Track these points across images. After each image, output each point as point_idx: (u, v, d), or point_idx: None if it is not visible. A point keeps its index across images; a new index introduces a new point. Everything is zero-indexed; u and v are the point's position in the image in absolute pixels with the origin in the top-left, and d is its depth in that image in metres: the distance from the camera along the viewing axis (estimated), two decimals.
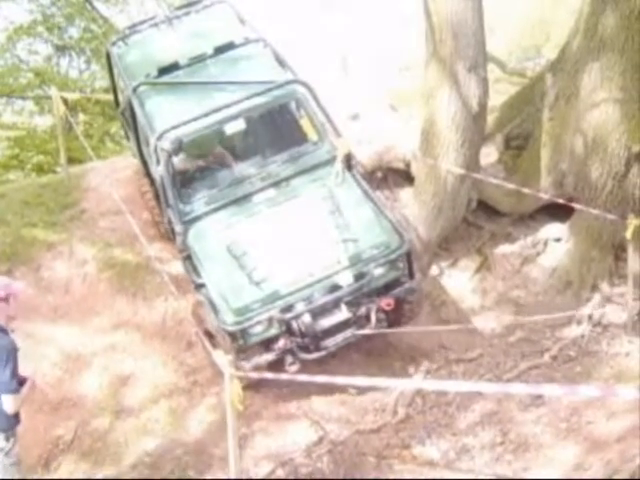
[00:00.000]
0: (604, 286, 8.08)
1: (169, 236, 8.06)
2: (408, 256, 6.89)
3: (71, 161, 11.71)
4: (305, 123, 7.83)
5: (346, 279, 6.68)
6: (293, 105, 7.94)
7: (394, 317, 7.10)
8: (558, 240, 8.56)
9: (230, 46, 8.00)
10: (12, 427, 5.08)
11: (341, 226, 6.89)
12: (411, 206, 8.57)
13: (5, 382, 4.92)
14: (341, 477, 6.25)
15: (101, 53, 17.16)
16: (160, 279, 7.91)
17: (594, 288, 8.10)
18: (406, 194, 9.03)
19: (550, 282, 8.30)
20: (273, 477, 6.38)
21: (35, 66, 17.76)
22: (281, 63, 7.82)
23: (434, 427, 6.63)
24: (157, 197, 7.98)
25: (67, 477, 6.51)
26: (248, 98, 7.25)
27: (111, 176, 9.74)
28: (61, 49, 18.12)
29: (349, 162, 7.42)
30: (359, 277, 6.72)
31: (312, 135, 7.68)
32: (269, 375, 6.18)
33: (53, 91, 10.27)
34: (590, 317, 7.72)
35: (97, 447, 6.79)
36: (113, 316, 7.94)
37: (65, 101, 10.51)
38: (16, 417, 5.09)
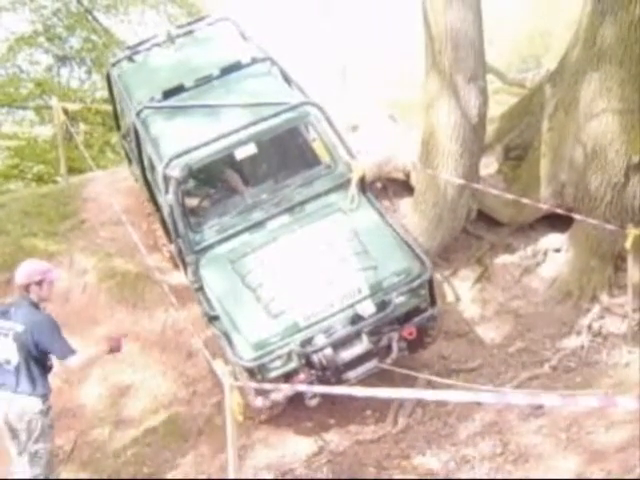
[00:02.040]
0: (604, 296, 8.07)
1: (176, 262, 7.85)
2: (430, 282, 6.68)
3: (71, 171, 11.75)
4: (317, 145, 7.65)
5: (368, 309, 6.44)
6: (305, 127, 7.74)
7: (414, 344, 6.86)
8: (558, 250, 8.57)
9: (237, 66, 7.77)
10: (47, 394, 5.70)
11: (360, 253, 6.67)
12: (411, 216, 8.58)
13: (60, 347, 5.60)
14: None
15: (102, 63, 17.25)
16: (160, 289, 7.90)
17: (594, 298, 8.09)
18: (406, 204, 9.04)
19: (550, 292, 8.30)
20: None
21: (36, 76, 17.78)
22: (290, 83, 7.65)
23: (434, 437, 6.62)
24: (163, 223, 7.76)
25: None
26: (259, 121, 7.00)
27: (111, 186, 9.76)
28: (62, 59, 18.15)
29: (363, 185, 7.26)
30: (381, 306, 6.46)
31: (325, 158, 7.50)
32: (268, 386, 6.18)
33: (54, 101, 10.31)
34: (590, 327, 7.73)
35: (96, 457, 6.80)
36: (113, 326, 7.92)
37: (65, 111, 10.56)
38: (48, 383, 5.74)
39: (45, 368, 5.72)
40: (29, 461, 5.70)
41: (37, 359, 5.62)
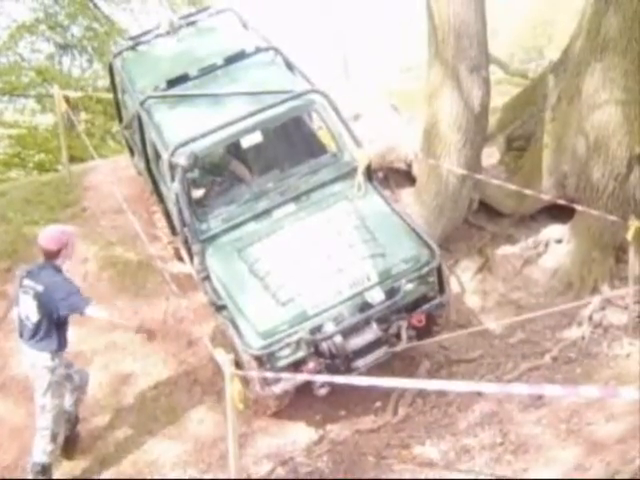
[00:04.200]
0: (605, 288, 8.08)
1: (180, 256, 7.85)
2: (438, 270, 6.67)
3: (72, 159, 11.71)
4: (323, 134, 7.63)
5: (377, 296, 6.43)
6: (310, 116, 7.71)
7: (423, 331, 6.84)
8: (559, 241, 8.57)
9: (241, 55, 7.74)
10: (56, 350, 6.05)
11: (368, 241, 6.64)
12: (412, 206, 8.57)
13: (74, 301, 5.92)
14: (341, 476, 6.24)
15: (103, 52, 17.23)
16: (161, 278, 7.90)
17: (595, 290, 8.10)
18: (408, 194, 9.03)
19: (551, 283, 8.30)
20: (273, 476, 6.38)
21: (37, 64, 17.72)
22: (294, 71, 7.59)
23: (434, 427, 6.62)
24: (167, 215, 7.75)
25: (67, 475, 6.53)
26: (264, 109, 6.97)
27: (112, 175, 9.74)
28: (63, 47, 18.10)
29: (370, 173, 7.23)
30: (390, 294, 6.47)
31: (331, 146, 7.47)
32: (269, 374, 6.18)
33: (55, 89, 10.24)
34: (590, 319, 7.72)
35: (97, 445, 6.79)
36: (114, 314, 7.92)
37: (67, 99, 10.50)
38: (61, 343, 6.07)
39: (62, 328, 6.08)
40: (39, 413, 6.14)
41: (55, 318, 5.98)
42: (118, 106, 9.10)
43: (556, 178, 8.36)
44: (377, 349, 6.50)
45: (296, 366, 6.41)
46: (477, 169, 8.38)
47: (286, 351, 6.31)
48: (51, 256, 6.02)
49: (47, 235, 6.07)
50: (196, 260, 6.88)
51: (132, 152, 9.04)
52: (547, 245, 8.64)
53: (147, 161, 7.83)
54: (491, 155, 9.36)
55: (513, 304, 8.18)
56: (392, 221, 6.95)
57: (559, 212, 8.44)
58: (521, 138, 9.36)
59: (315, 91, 7.26)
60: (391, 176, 9.34)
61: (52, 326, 6.00)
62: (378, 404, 6.97)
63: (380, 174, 9.13)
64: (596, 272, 8.16)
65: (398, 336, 6.61)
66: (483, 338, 7.73)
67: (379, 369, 6.69)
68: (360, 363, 6.47)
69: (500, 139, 9.53)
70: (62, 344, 6.09)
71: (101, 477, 6.52)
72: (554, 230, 8.66)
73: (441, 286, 6.75)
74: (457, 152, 8.16)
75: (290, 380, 6.31)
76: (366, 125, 9.31)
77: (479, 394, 6.72)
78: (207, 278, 6.81)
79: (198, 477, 6.46)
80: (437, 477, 5.99)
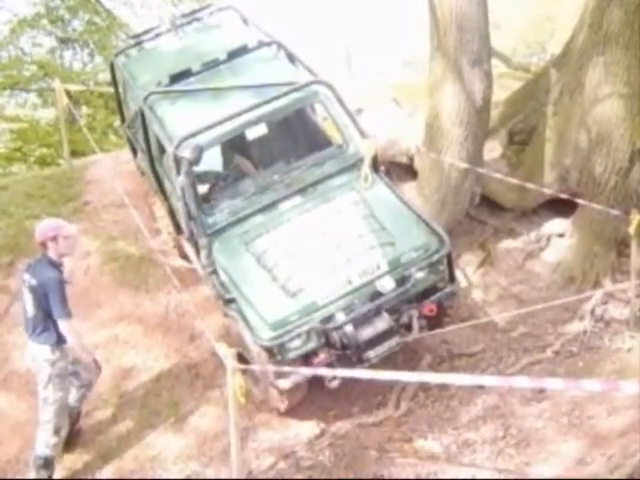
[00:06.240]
0: (606, 282, 8.07)
1: (184, 254, 7.89)
2: (448, 258, 6.64)
3: (74, 154, 11.73)
4: (328, 125, 7.61)
5: (387, 285, 6.39)
6: (314, 108, 7.70)
7: (434, 321, 6.82)
8: (561, 235, 8.55)
9: (244, 50, 7.73)
10: (57, 343, 6.06)
11: (377, 230, 6.62)
12: (414, 200, 8.55)
13: (57, 307, 5.93)
14: (342, 470, 6.25)
15: (104, 46, 17.24)
16: (163, 272, 7.90)
17: (596, 284, 8.09)
18: (409, 188, 9.01)
19: (553, 278, 8.29)
20: (275, 470, 6.38)
21: (38, 59, 17.72)
22: (297, 64, 7.56)
23: (436, 421, 6.62)
24: (172, 214, 7.72)
25: (69, 470, 6.55)
26: (269, 102, 6.93)
27: (114, 169, 9.75)
28: (64, 42, 18.10)
29: (376, 164, 7.22)
30: (400, 282, 6.44)
31: (336, 137, 7.46)
32: (271, 368, 6.18)
33: (56, 83, 10.26)
34: (592, 313, 7.72)
35: (99, 439, 6.81)
36: (116, 308, 7.94)
37: (68, 93, 10.51)
38: (60, 336, 6.03)
39: None
40: (41, 406, 6.19)
41: (49, 312, 6.00)
42: (120, 105, 9.05)
43: (558, 172, 8.34)
44: (389, 339, 6.45)
45: (307, 358, 6.39)
46: (479, 163, 8.37)
47: (297, 342, 6.26)
48: (41, 247, 6.06)
49: (37, 227, 6.14)
50: (203, 254, 6.82)
51: (135, 151, 8.96)
52: (549, 239, 8.63)
53: (151, 159, 7.79)
54: (493, 149, 9.34)
55: (515, 298, 8.17)
56: (400, 210, 6.93)
57: (561, 206, 8.43)
58: (523, 132, 9.33)
59: (319, 82, 7.22)
60: (393, 170, 9.32)
61: (49, 319, 6.02)
62: (380, 398, 6.98)
63: (382, 168, 9.11)
64: (598, 266, 8.15)
65: (409, 327, 6.58)
66: (485, 332, 7.73)
67: (381, 363, 6.69)
68: (372, 354, 6.41)
69: (502, 133, 9.50)
70: (62, 337, 6.05)
71: (103, 471, 6.54)
72: (556, 224, 8.65)
73: (451, 275, 6.73)
74: (459, 146, 8.14)
75: (299, 373, 6.27)
76: (368, 119, 9.28)
77: (481, 388, 6.71)
78: (214, 272, 6.76)
79: (200, 471, 6.47)
80: (439, 471, 6.00)
